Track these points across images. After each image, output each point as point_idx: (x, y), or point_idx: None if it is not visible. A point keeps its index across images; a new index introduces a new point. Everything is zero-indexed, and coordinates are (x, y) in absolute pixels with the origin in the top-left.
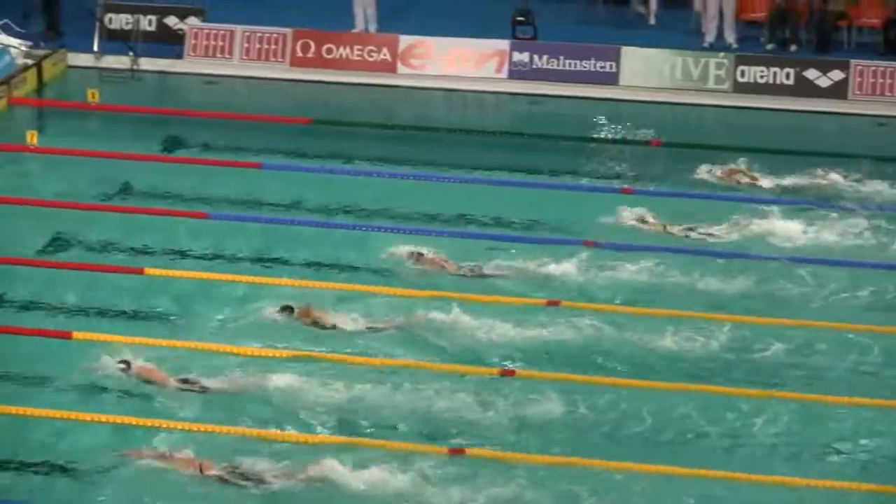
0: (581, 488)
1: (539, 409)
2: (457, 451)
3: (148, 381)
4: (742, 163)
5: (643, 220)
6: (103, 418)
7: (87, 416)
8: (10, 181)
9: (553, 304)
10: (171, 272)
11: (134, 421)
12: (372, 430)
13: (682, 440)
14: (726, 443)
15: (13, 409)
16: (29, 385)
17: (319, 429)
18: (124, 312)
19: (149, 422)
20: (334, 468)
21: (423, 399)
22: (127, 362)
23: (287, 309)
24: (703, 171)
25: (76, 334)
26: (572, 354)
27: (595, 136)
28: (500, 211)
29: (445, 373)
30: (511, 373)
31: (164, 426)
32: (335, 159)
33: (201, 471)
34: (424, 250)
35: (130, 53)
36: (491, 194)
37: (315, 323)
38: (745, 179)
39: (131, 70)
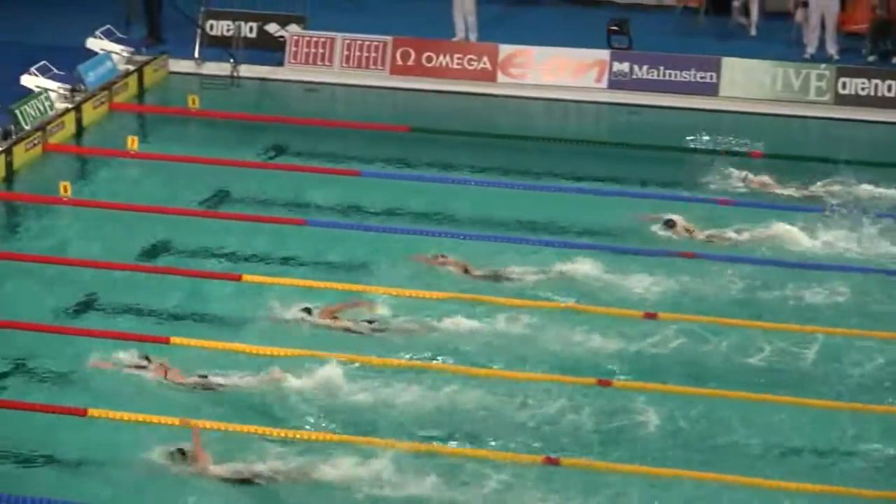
0: (674, 499)
1: (634, 420)
2: (552, 461)
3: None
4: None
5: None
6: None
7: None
8: (111, 186)
9: (650, 316)
10: (268, 279)
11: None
12: (467, 438)
13: (776, 452)
14: (828, 458)
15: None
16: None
17: (412, 436)
18: (221, 318)
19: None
20: (428, 477)
21: (519, 407)
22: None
23: (306, 310)
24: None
25: (174, 339)
26: (668, 365)
27: (694, 147)
28: (597, 221)
29: (543, 382)
30: (608, 383)
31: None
32: (433, 167)
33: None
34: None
35: (231, 60)
36: (589, 204)
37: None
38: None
39: (232, 77)
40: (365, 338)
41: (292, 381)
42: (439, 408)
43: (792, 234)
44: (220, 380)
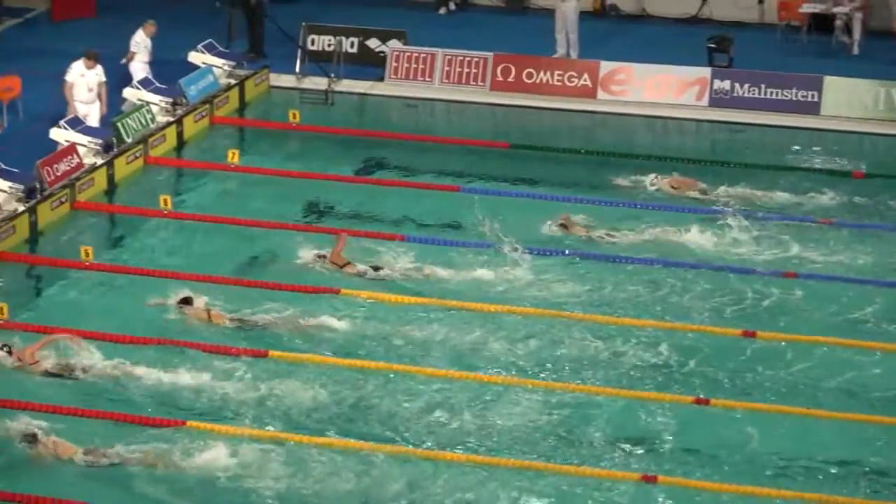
0: None
1: (732, 439)
2: (649, 479)
3: None
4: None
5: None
6: None
7: None
8: (211, 199)
9: (749, 335)
10: (366, 293)
11: None
12: (564, 454)
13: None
14: None
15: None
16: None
17: (505, 449)
18: (319, 331)
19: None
20: (523, 490)
21: (616, 425)
22: None
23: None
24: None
25: (272, 353)
26: (767, 385)
27: (796, 165)
28: (697, 238)
29: (639, 400)
30: (706, 401)
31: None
32: (533, 184)
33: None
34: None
35: (332, 75)
36: (691, 222)
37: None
38: None
39: (328, 91)
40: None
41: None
42: (543, 424)
43: None
44: None
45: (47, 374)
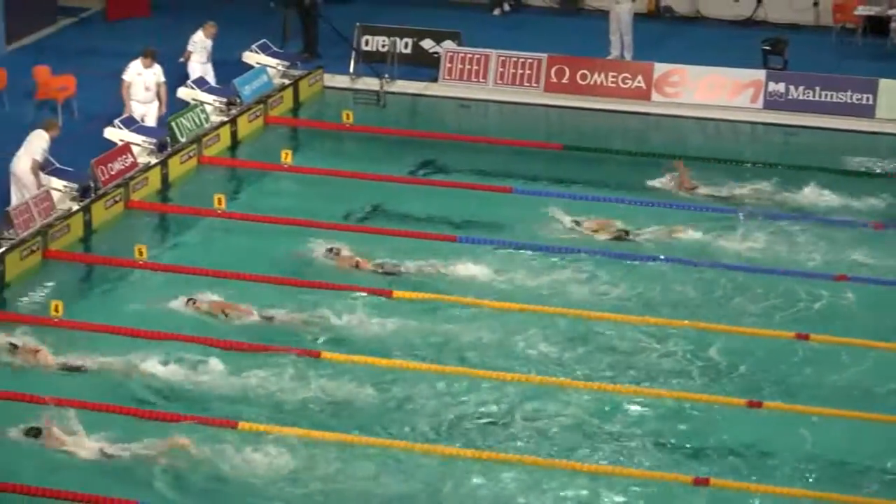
0: None
1: (785, 442)
2: (701, 481)
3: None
4: None
5: None
6: None
7: None
8: (265, 200)
9: (802, 337)
10: (420, 294)
11: None
12: (615, 456)
13: None
14: None
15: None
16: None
17: (555, 451)
18: (371, 334)
19: None
20: (572, 492)
21: (668, 427)
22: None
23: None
24: None
25: (324, 354)
26: (821, 387)
27: (850, 168)
28: (749, 242)
29: (691, 402)
30: (758, 404)
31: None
32: (587, 185)
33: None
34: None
35: (385, 76)
36: (742, 225)
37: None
38: None
39: (384, 92)
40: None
41: None
42: (591, 426)
43: None
44: None
45: (65, 368)
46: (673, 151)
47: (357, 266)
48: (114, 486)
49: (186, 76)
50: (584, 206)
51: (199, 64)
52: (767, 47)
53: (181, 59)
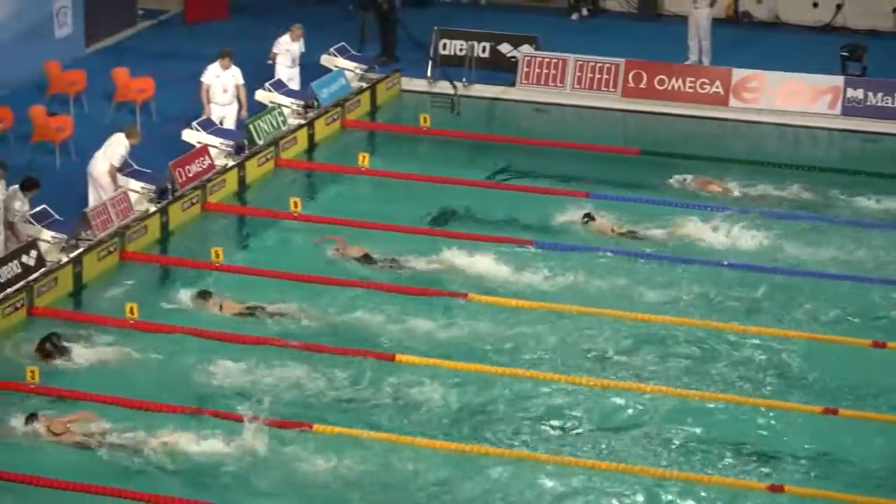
0: None
1: (860, 449)
2: (776, 488)
3: None
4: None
5: None
6: None
7: None
8: (342, 203)
9: (879, 346)
10: (495, 299)
11: None
12: (690, 463)
13: None
14: None
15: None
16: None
17: (629, 456)
18: (445, 338)
19: None
20: (647, 498)
21: (742, 433)
22: None
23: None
24: None
25: (398, 357)
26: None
27: None
28: (821, 246)
29: (766, 408)
30: (834, 411)
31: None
32: (662, 191)
33: None
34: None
35: (464, 80)
36: (820, 233)
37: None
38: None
39: (458, 97)
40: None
41: None
42: (657, 432)
43: None
44: None
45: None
46: (750, 157)
47: None
48: (185, 488)
49: (271, 78)
50: (659, 210)
51: (285, 67)
52: (846, 53)
53: (268, 61)
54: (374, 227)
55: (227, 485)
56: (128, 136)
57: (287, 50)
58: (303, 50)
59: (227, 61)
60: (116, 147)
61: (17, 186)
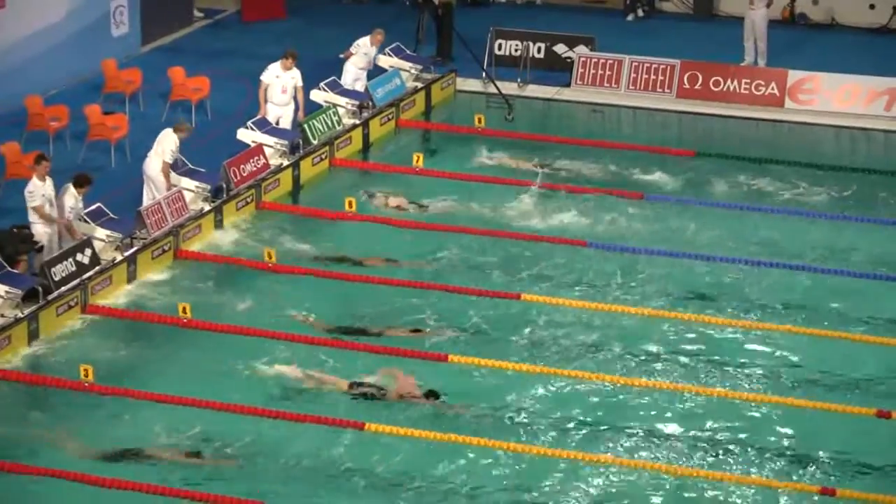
0: None
1: None
2: (828, 491)
3: None
4: None
5: None
6: None
7: None
8: (402, 198)
9: None
10: (549, 299)
11: None
12: (742, 465)
13: None
14: None
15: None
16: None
17: (683, 458)
18: (495, 335)
19: None
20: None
21: (796, 437)
22: None
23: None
24: None
25: (452, 357)
26: None
27: None
28: (882, 254)
29: (820, 410)
30: (887, 415)
31: None
32: (719, 192)
33: None
34: None
35: (518, 80)
36: (872, 234)
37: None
38: None
39: (515, 97)
40: None
41: None
42: (705, 433)
43: None
44: None
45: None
46: (806, 159)
47: None
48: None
49: (327, 78)
50: (713, 212)
51: (356, 68)
52: None
53: (341, 55)
54: (429, 227)
55: (274, 480)
56: (176, 131)
57: (364, 53)
58: (378, 55)
59: (290, 62)
60: (166, 143)
61: (69, 184)
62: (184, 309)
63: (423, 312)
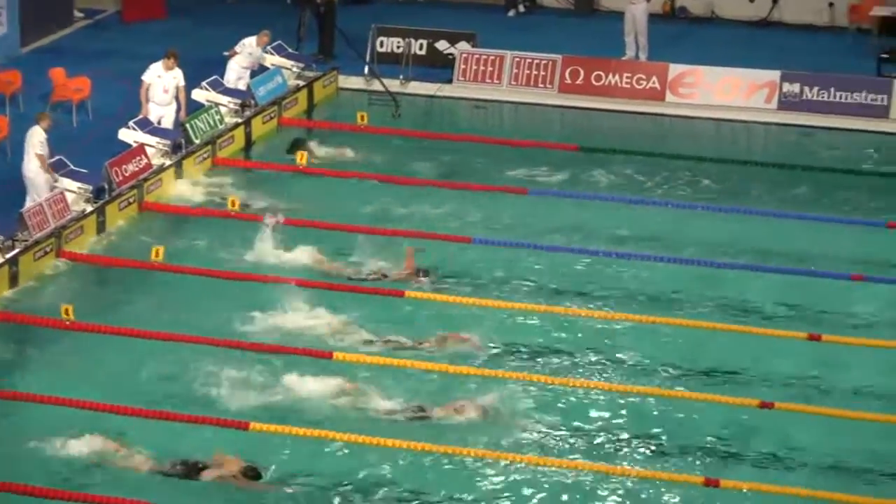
0: None
1: (797, 443)
2: (711, 482)
3: None
4: None
5: None
6: None
7: None
8: (281, 200)
9: (814, 338)
10: (433, 296)
11: None
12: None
13: None
14: None
15: None
16: None
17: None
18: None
19: None
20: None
21: (672, 428)
22: None
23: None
24: None
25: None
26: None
27: (864, 169)
28: (764, 242)
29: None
30: (770, 405)
31: None
32: (601, 186)
33: None
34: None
35: (401, 77)
36: (756, 225)
37: None
38: None
39: (399, 93)
40: None
41: None
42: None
43: None
44: None
45: None
46: (688, 152)
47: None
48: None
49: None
50: (599, 206)
51: (239, 67)
52: (885, 55)
53: (225, 53)
54: (313, 225)
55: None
56: (38, 122)
57: (249, 53)
58: (263, 55)
59: (172, 62)
60: (34, 138)
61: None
62: (66, 311)
63: None
